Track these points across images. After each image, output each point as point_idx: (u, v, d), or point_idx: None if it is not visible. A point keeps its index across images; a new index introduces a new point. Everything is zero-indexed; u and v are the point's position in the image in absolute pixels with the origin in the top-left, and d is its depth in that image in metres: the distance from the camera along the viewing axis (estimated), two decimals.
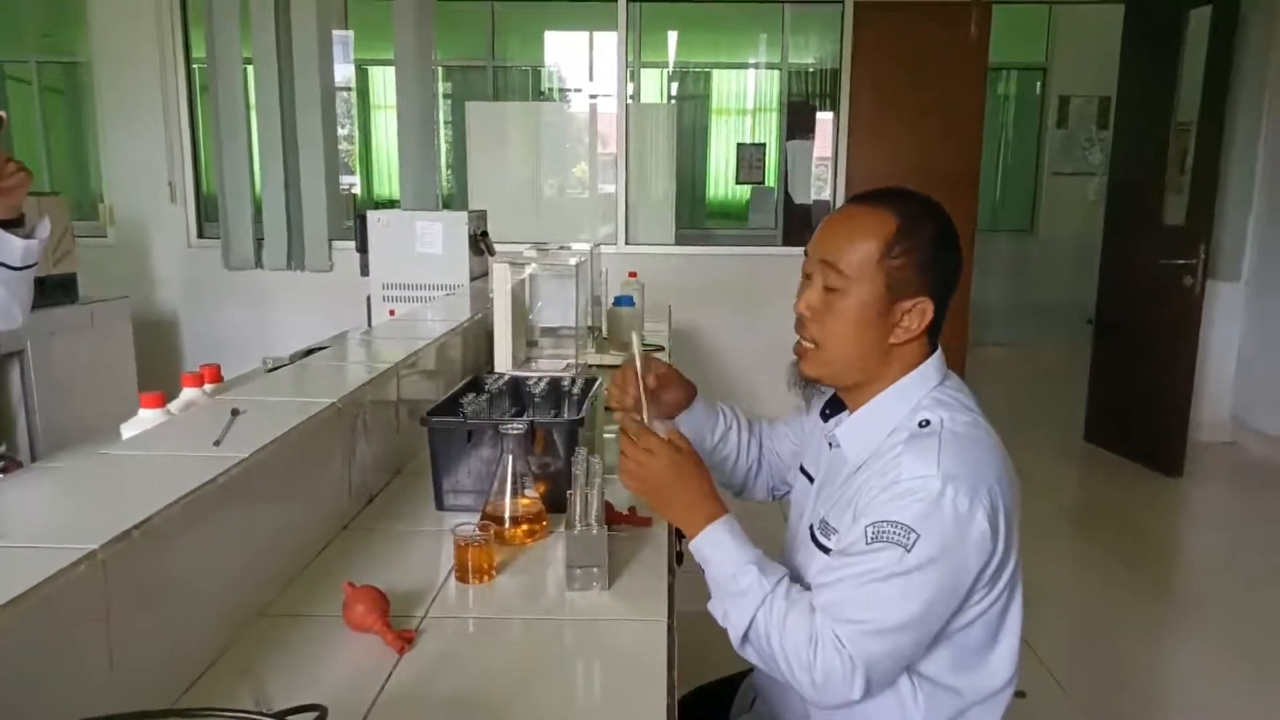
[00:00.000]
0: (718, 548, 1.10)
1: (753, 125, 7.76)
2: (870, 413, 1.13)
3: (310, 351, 2.06)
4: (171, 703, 0.89)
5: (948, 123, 4.76)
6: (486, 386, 1.58)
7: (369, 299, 3.03)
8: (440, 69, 6.44)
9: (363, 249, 3.05)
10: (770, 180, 6.96)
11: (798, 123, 6.54)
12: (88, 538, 0.79)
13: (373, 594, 1.04)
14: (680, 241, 5.28)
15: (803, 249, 1.17)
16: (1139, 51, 4.37)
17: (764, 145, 7.22)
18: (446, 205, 5.74)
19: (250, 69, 4.70)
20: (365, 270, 3.03)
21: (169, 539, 0.90)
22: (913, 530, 0.99)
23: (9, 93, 5.69)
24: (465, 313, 2.29)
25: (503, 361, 1.98)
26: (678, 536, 1.26)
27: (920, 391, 1.11)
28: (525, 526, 1.30)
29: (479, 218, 3.10)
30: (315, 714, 0.66)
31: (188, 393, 1.49)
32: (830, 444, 1.20)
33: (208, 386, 1.52)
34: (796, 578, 1.12)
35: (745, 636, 1.07)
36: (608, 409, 1.42)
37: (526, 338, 2.18)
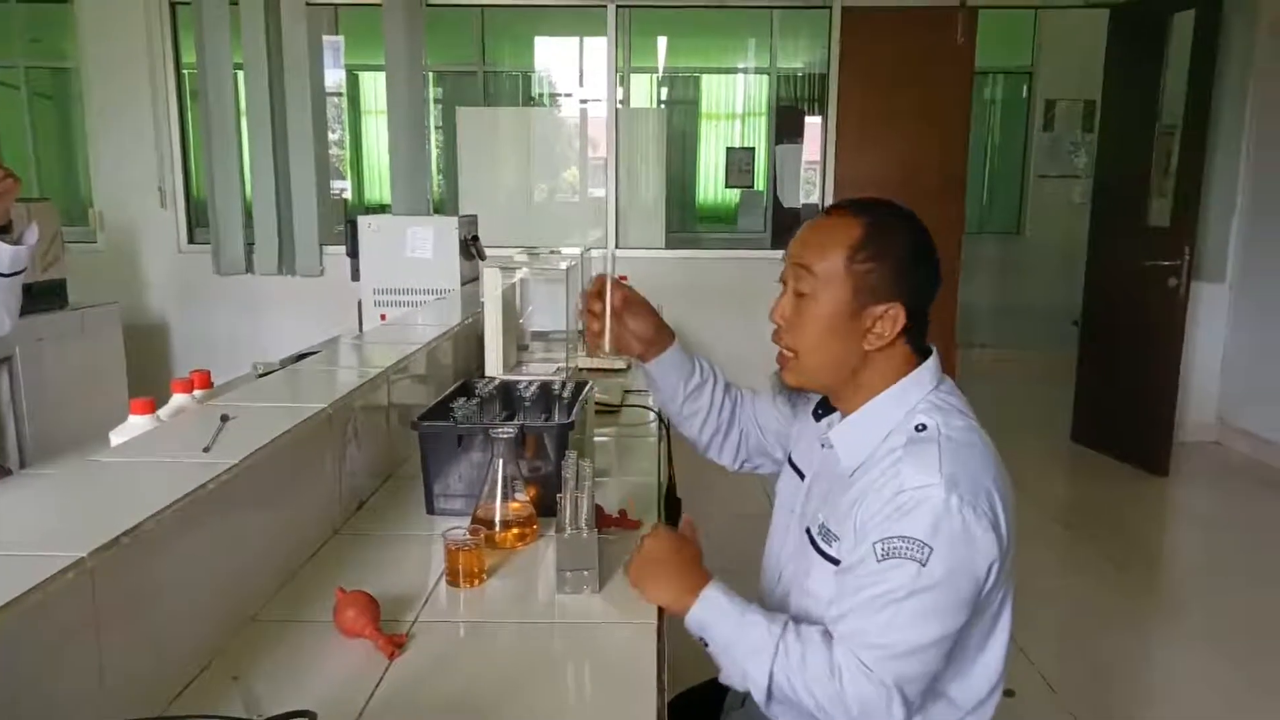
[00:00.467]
0: (714, 609, 1.08)
1: (742, 129, 7.79)
2: (865, 417, 1.13)
3: (301, 357, 2.07)
4: (162, 709, 0.89)
5: (935, 126, 4.79)
6: (477, 391, 1.58)
7: (360, 304, 3.04)
8: (431, 74, 6.44)
9: (353, 254, 3.06)
10: (759, 184, 6.98)
11: (786, 127, 6.57)
12: (76, 545, 0.80)
13: (363, 599, 1.05)
14: (670, 245, 5.30)
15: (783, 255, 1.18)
16: (1123, 55, 4.41)
17: (753, 149, 7.25)
18: (437, 210, 5.73)
19: (240, 74, 4.69)
20: (356, 275, 3.04)
21: (158, 546, 0.90)
22: (926, 545, 0.98)
23: None
24: (456, 317, 2.30)
25: (493, 366, 1.99)
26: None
27: (916, 396, 1.12)
28: (516, 530, 1.31)
29: (469, 222, 3.11)
30: (305, 719, 0.66)
31: (178, 399, 1.48)
32: (823, 445, 1.21)
33: (198, 392, 1.52)
34: (789, 576, 1.11)
35: (769, 693, 1.03)
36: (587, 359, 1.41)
37: (517, 342, 2.18)
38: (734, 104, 7.85)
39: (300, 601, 1.13)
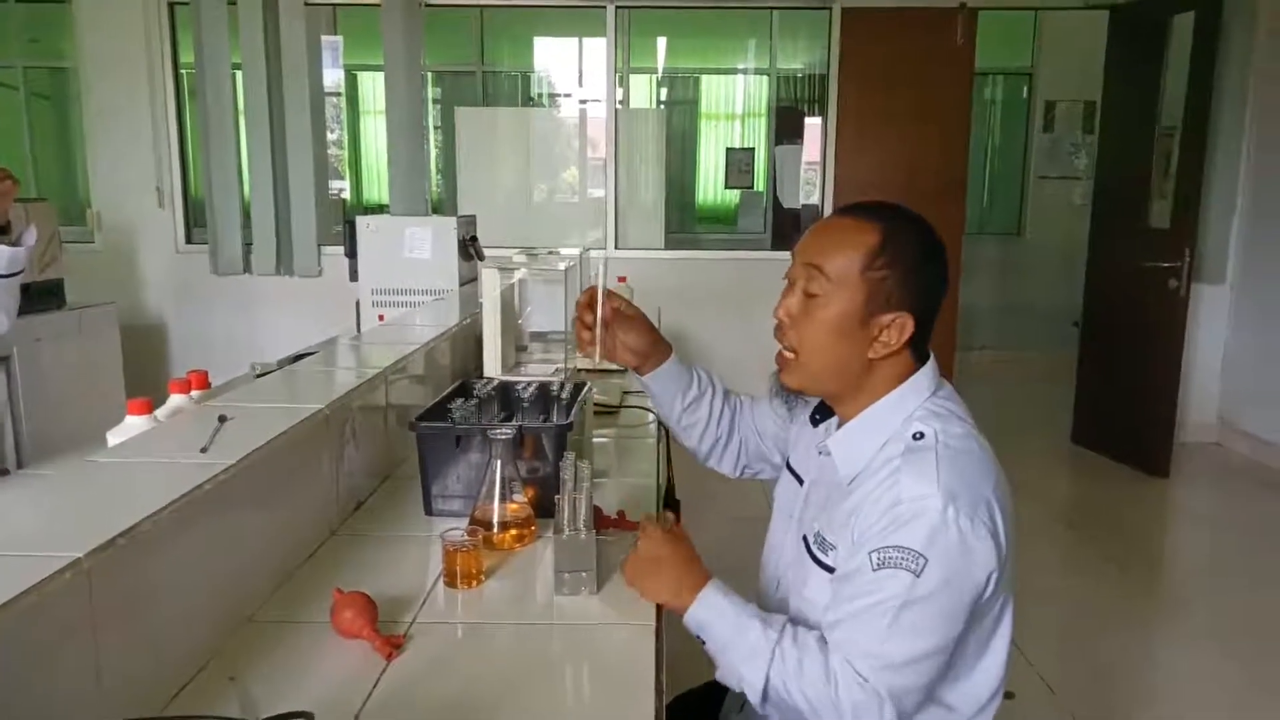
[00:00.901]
0: (712, 610, 1.08)
1: (741, 130, 7.79)
2: (863, 424, 1.12)
3: (299, 357, 2.06)
4: (159, 710, 0.89)
5: (935, 127, 4.79)
6: (475, 392, 1.58)
7: (358, 304, 3.04)
8: (429, 74, 6.44)
9: (352, 254, 3.06)
10: (759, 185, 6.98)
11: (786, 128, 6.57)
12: (73, 545, 0.79)
13: (361, 600, 1.04)
14: (670, 246, 5.29)
15: (791, 253, 1.17)
16: (1123, 57, 4.42)
17: (753, 150, 7.26)
18: (436, 210, 5.73)
19: (238, 74, 4.69)
20: (354, 275, 3.04)
21: (155, 546, 0.89)
22: (921, 555, 0.98)
23: None
24: (454, 318, 2.30)
25: (492, 366, 1.99)
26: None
27: (913, 403, 1.11)
28: (514, 531, 1.30)
29: (468, 223, 3.11)
30: None
31: (175, 399, 1.48)
32: (821, 452, 1.20)
33: (195, 393, 1.52)
34: (787, 584, 1.11)
35: (765, 695, 1.04)
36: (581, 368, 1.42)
37: (516, 343, 2.18)
38: (734, 104, 7.85)
39: (297, 602, 1.13)
